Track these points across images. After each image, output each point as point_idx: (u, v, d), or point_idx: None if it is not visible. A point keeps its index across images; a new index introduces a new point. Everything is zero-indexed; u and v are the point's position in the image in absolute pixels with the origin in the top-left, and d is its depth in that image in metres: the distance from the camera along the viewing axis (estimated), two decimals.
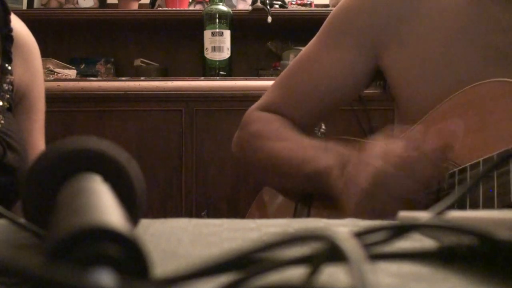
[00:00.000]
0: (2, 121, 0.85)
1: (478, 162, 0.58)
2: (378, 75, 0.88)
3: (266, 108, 0.92)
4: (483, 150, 0.60)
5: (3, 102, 0.88)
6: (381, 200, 0.64)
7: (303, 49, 0.93)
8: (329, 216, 0.77)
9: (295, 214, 0.83)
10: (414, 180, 0.63)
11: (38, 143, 0.98)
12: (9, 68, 0.91)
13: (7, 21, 0.92)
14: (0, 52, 0.91)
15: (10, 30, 0.92)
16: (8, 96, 0.90)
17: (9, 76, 0.91)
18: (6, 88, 0.90)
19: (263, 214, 0.94)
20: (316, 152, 0.78)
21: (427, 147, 0.64)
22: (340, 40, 0.87)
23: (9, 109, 0.90)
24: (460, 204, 0.57)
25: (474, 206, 0.57)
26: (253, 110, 0.93)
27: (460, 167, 0.62)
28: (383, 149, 0.67)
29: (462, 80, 0.72)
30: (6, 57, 0.92)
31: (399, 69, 0.82)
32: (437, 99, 0.72)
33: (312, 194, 0.81)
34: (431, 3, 0.81)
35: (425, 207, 0.60)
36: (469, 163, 0.60)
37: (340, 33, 0.87)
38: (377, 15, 0.83)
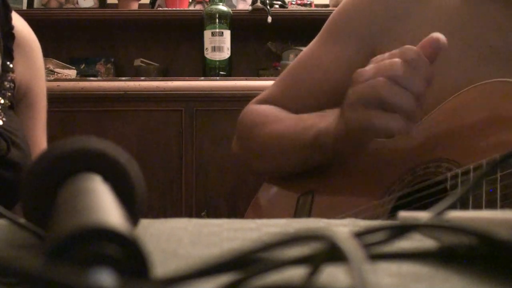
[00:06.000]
0: (4, 119, 0.85)
1: (481, 164, 0.58)
2: None
3: (263, 102, 0.94)
4: (486, 151, 0.60)
5: (4, 100, 0.87)
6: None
7: (304, 49, 0.95)
8: (330, 208, 0.78)
9: (297, 208, 0.83)
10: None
11: (40, 141, 0.98)
12: (11, 66, 0.90)
13: (8, 19, 0.92)
14: (1, 49, 0.90)
15: (11, 27, 0.92)
16: (9, 94, 0.89)
17: (11, 74, 0.90)
18: (8, 86, 0.89)
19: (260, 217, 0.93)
20: (315, 119, 0.80)
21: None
22: (339, 39, 0.89)
23: (11, 107, 0.89)
24: (462, 206, 0.57)
25: (477, 208, 0.56)
26: (248, 105, 0.95)
27: (463, 168, 0.61)
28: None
29: (457, 79, 0.72)
30: (7, 55, 0.91)
31: None
32: (432, 98, 0.72)
33: (313, 191, 0.82)
34: (425, 3, 0.82)
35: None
36: (472, 165, 0.60)
37: (339, 32, 0.89)
38: (374, 14, 0.85)
